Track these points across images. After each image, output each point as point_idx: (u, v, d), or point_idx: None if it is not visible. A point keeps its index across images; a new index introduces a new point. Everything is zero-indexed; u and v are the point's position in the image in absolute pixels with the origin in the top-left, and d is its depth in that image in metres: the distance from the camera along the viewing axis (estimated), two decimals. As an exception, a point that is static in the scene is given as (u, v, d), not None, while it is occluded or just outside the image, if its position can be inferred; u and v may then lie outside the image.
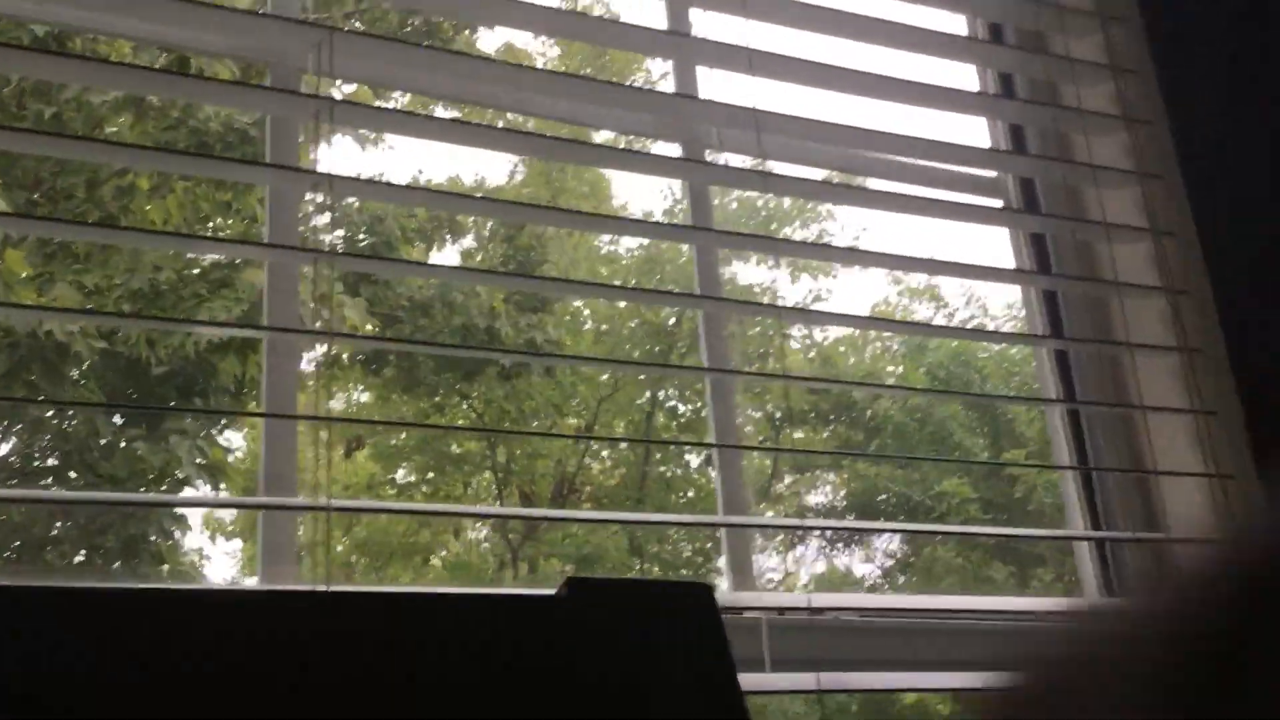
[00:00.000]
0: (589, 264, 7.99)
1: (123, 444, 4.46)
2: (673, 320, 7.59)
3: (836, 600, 1.22)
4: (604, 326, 7.89)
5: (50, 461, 4.67)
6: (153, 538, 4.48)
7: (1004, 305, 8.57)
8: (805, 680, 1.11)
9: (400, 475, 7.72)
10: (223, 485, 4.67)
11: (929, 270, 1.68)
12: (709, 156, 1.40)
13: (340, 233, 6.09)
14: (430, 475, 7.57)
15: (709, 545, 7.25)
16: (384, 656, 0.75)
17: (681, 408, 8.06)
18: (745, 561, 1.30)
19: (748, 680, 1.14)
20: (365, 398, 7.84)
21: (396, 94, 7.35)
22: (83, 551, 4.45)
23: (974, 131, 1.66)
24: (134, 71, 1.19)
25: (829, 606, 1.20)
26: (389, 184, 1.35)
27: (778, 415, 7.52)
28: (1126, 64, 1.55)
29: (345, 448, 7.78)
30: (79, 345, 3.96)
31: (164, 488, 4.58)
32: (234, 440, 5.53)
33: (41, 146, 1.14)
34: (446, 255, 7.28)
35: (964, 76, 1.63)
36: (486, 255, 7.19)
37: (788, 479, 7.65)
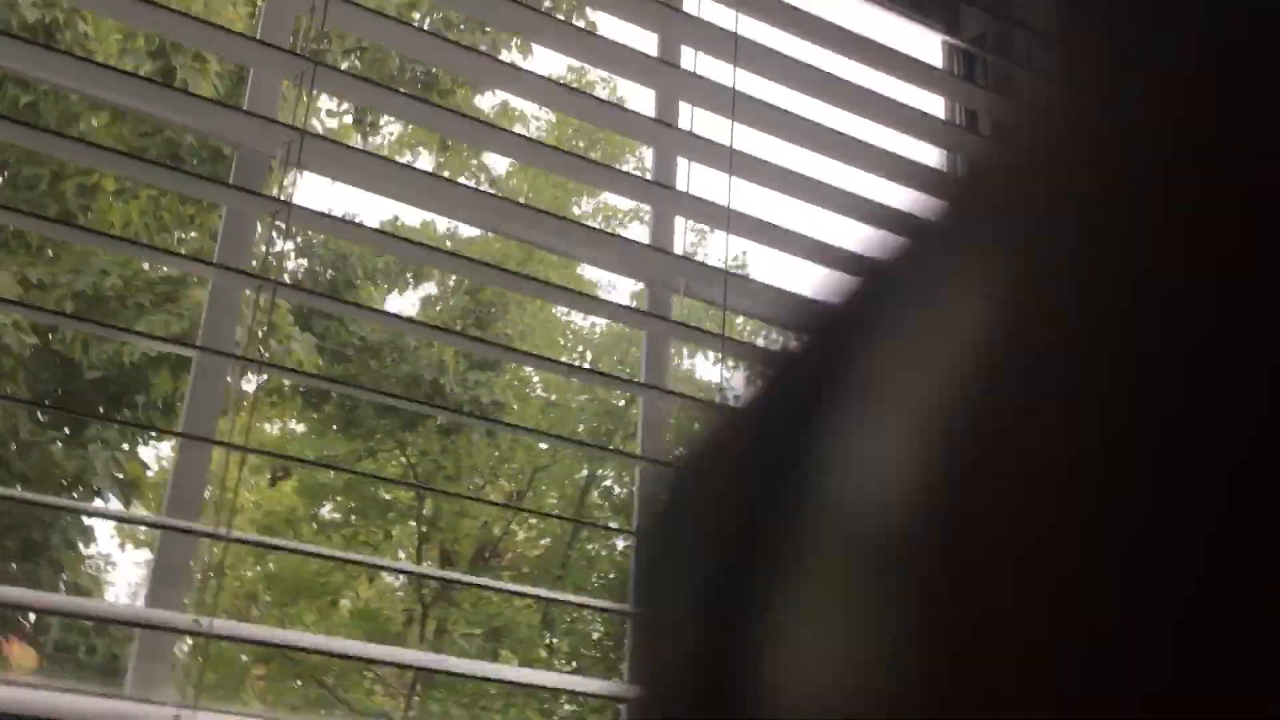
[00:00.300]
0: (547, 331, 7.98)
1: (41, 444, 4.35)
2: (623, 402, 7.58)
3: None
4: (553, 396, 7.85)
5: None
6: (54, 543, 4.35)
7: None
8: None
9: (325, 512, 7.58)
10: (135, 501, 4.56)
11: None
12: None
13: (302, 262, 6.05)
14: (353, 517, 7.45)
15: (621, 630, 7.17)
16: None
17: (618, 489, 8.02)
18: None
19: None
20: (300, 428, 7.71)
21: (384, 130, 7.35)
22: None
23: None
24: (114, 76, 1.17)
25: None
26: (348, 223, 1.33)
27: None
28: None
29: (271, 476, 7.64)
30: (9, 337, 3.87)
31: (75, 495, 4.46)
32: (155, 456, 5.41)
33: (6, 133, 1.11)
34: (407, 299, 7.24)
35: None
36: (447, 306, 7.15)
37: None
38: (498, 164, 7.73)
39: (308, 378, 6.09)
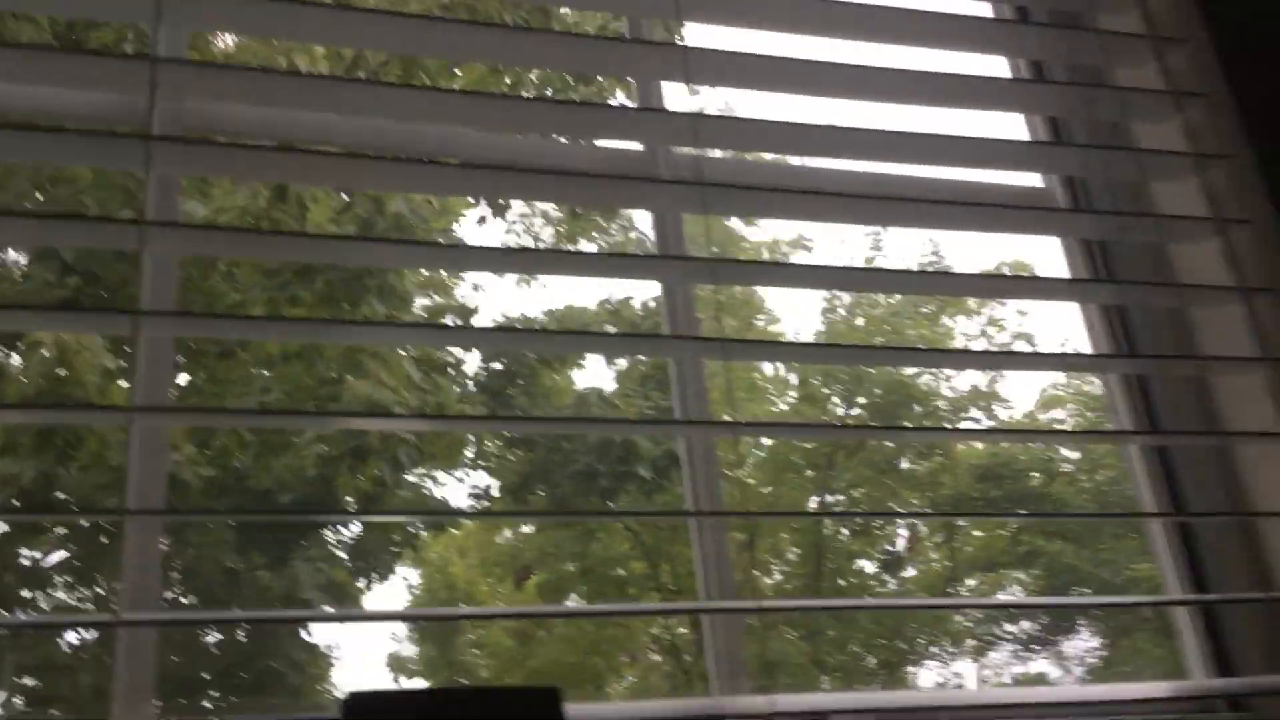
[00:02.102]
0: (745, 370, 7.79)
1: (249, 571, 4.46)
2: (842, 417, 7.27)
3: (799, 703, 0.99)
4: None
5: (190, 598, 4.72)
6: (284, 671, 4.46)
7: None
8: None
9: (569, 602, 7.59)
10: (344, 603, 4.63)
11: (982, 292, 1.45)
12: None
13: (475, 356, 6.12)
14: (598, 601, 7.41)
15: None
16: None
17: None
18: (735, 656, 1.08)
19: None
20: (527, 529, 7.77)
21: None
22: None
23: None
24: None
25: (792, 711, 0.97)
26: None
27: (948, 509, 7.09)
28: (1172, 33, 1.32)
29: (515, 579, 7.73)
30: (186, 474, 3.98)
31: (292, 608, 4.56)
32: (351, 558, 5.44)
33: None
34: (586, 375, 7.20)
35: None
36: (633, 373, 7.09)
37: (970, 580, 7.16)
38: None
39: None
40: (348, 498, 4.73)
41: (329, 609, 4.53)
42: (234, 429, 4.05)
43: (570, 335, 1.23)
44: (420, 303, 5.96)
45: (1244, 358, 1.17)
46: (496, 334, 1.24)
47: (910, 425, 6.80)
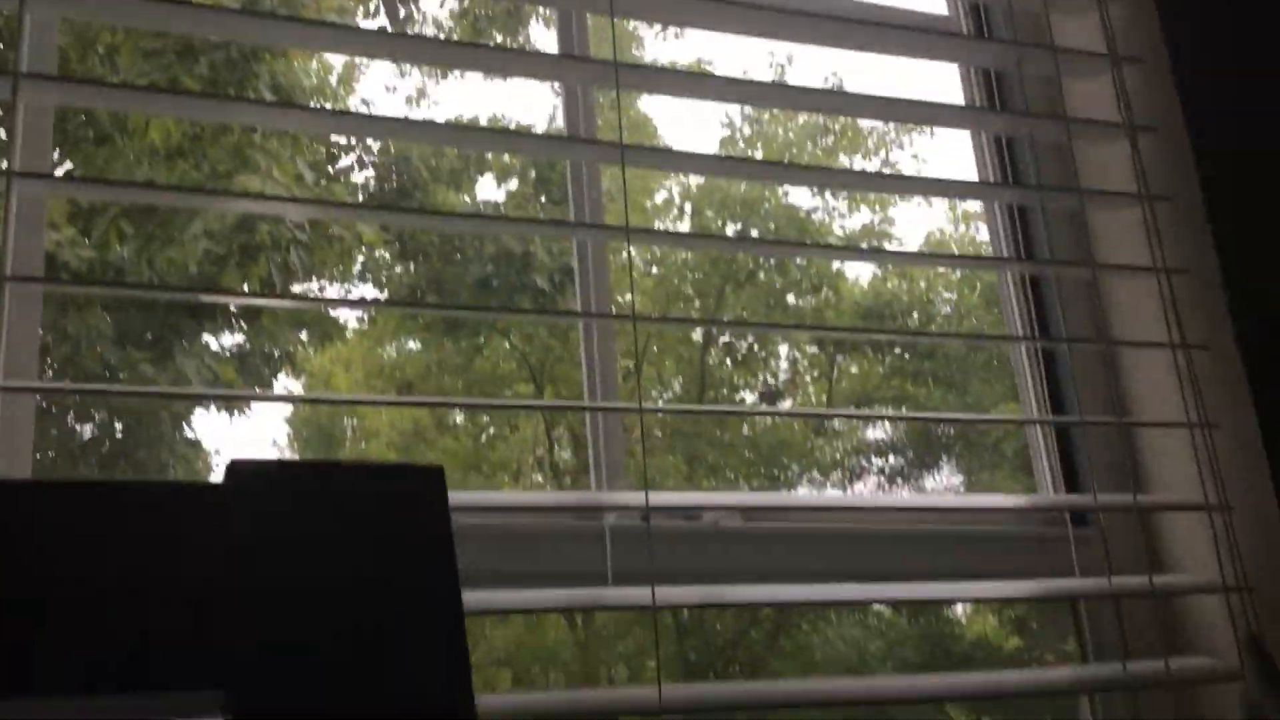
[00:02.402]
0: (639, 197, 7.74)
1: (132, 365, 4.34)
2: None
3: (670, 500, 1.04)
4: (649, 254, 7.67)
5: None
6: (166, 460, 4.42)
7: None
8: (639, 596, 0.94)
9: (454, 420, 7.64)
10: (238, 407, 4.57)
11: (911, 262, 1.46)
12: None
13: (368, 174, 5.97)
14: (485, 417, 7.48)
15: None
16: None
17: (740, 343, 7.82)
18: (616, 460, 1.12)
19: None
20: (415, 345, 7.74)
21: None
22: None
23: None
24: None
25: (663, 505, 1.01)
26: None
27: (830, 347, 7.28)
28: None
29: (399, 393, 7.73)
30: (67, 255, 3.82)
31: (176, 408, 4.47)
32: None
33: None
34: (479, 195, 7.09)
35: None
36: (521, 191, 6.98)
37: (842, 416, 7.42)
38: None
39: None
40: (232, 302, 4.62)
41: (215, 391, 4.47)
42: (114, 221, 3.88)
43: (465, 130, 1.20)
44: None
45: (1123, 192, 1.21)
46: (394, 123, 1.21)
47: (795, 241, 6.86)
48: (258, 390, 5.18)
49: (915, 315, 7.49)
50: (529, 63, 1.19)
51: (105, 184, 1.23)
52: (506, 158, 6.53)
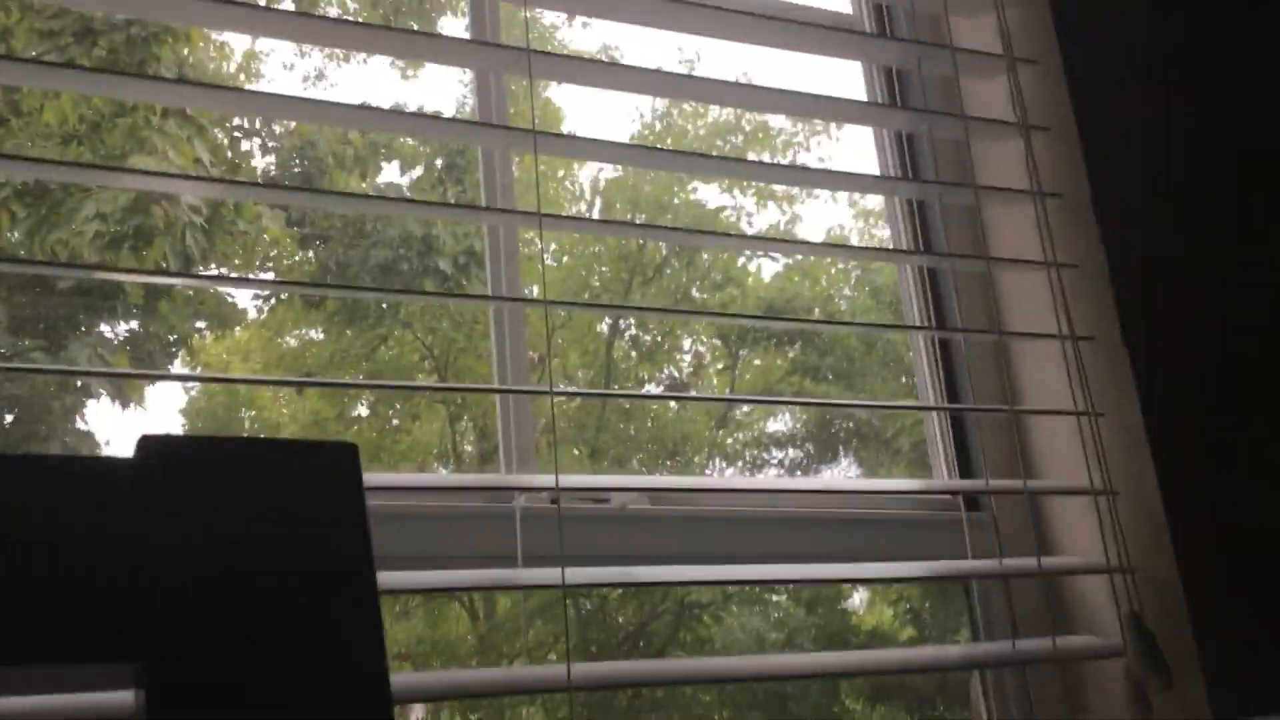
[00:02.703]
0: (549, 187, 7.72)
1: (21, 355, 4.21)
2: (640, 244, 7.35)
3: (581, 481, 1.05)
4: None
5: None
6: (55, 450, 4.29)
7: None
8: (550, 575, 0.95)
9: (360, 411, 7.53)
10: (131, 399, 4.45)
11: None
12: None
13: (270, 160, 5.86)
14: (387, 409, 7.39)
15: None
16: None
17: (645, 336, 7.86)
18: (526, 444, 1.13)
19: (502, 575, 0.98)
20: (319, 334, 7.63)
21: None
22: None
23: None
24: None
25: (574, 487, 1.03)
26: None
27: (733, 338, 7.36)
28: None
29: (298, 388, 7.59)
30: None
31: (65, 401, 4.34)
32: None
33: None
34: (384, 180, 7.01)
35: None
36: (426, 177, 6.92)
37: (746, 407, 7.50)
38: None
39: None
40: (125, 286, 4.50)
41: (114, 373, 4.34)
42: (5, 203, 3.75)
43: (378, 112, 1.20)
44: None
45: (1016, 189, 1.26)
46: (304, 104, 1.20)
47: (705, 230, 6.93)
48: (170, 370, 5.06)
49: (816, 310, 7.62)
50: (443, 47, 1.19)
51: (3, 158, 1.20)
52: (414, 144, 6.46)
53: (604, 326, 7.90)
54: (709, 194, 8.13)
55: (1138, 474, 1.17)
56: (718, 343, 7.82)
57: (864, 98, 1.42)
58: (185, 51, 4.82)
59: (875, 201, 8.24)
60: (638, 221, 8.08)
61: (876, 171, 1.41)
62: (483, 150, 1.22)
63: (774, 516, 1.16)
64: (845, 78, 1.49)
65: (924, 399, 1.32)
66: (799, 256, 7.89)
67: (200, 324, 5.82)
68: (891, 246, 1.38)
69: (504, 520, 1.05)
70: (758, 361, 7.76)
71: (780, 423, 7.67)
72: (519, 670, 0.96)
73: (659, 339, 7.81)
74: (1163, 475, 1.15)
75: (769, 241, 1.19)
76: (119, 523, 0.67)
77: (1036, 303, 1.25)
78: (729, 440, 7.66)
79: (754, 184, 7.79)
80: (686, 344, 8.26)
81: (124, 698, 0.86)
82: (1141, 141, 1.29)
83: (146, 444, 0.70)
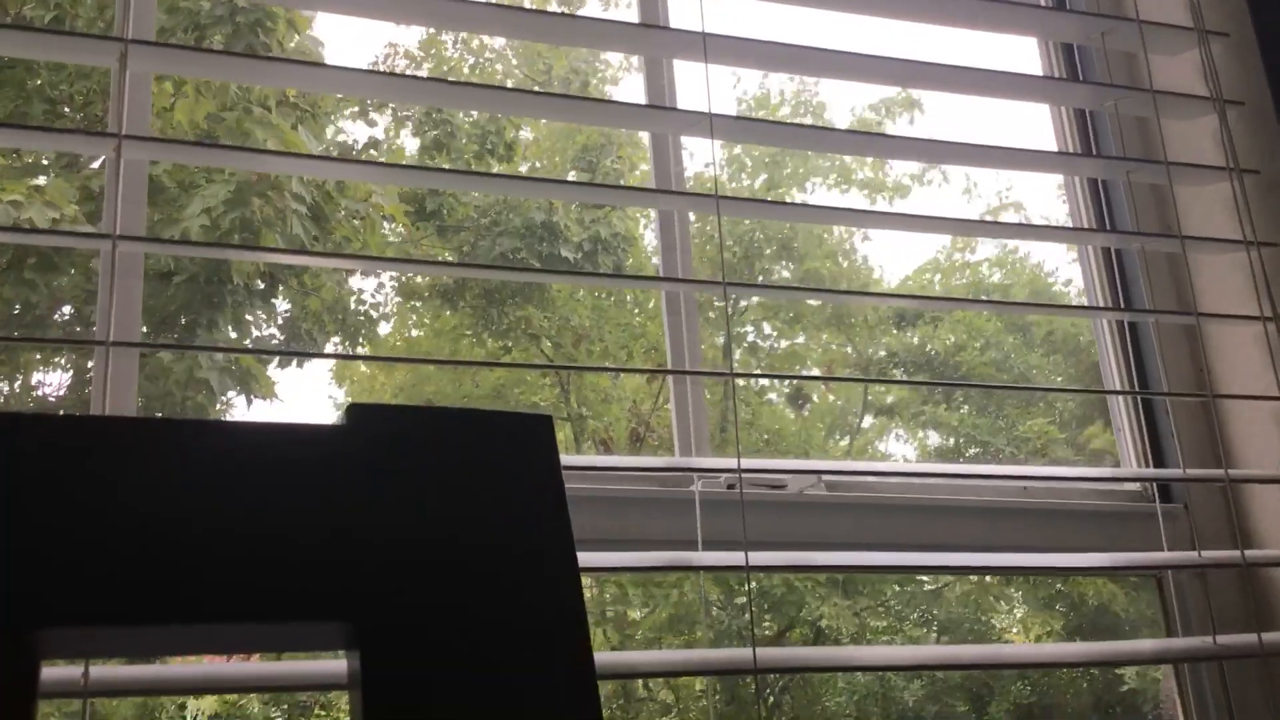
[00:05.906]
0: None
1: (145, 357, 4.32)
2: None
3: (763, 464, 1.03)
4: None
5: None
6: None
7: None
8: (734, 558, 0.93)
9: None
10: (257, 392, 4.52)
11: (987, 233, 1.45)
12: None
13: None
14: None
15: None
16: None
17: (761, 342, 7.78)
18: (700, 428, 1.11)
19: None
20: (446, 346, 7.73)
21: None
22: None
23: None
24: None
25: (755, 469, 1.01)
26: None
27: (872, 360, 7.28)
28: None
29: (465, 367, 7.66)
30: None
31: (199, 398, 4.43)
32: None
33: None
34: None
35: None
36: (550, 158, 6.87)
37: (868, 420, 7.40)
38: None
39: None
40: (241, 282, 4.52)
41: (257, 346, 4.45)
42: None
43: (538, 96, 1.19)
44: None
45: (1210, 165, 1.21)
46: (438, 86, 1.21)
47: (879, 211, 6.85)
48: (330, 350, 5.18)
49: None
50: (612, 32, 1.18)
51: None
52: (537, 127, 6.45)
53: (720, 338, 7.82)
54: (818, 195, 7.94)
55: (1348, 463, 1.11)
56: (849, 350, 7.69)
57: (1039, 73, 1.37)
58: (291, 40, 4.89)
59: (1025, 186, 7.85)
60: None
61: (1054, 148, 1.36)
62: (653, 135, 1.21)
63: (953, 505, 1.13)
64: (1015, 51, 1.44)
65: (1110, 384, 1.27)
66: (962, 248, 7.64)
67: (335, 339, 5.91)
68: (1071, 225, 1.33)
69: (680, 504, 1.04)
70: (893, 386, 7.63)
71: (895, 441, 7.52)
72: (708, 652, 0.94)
73: (778, 340, 7.70)
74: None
75: (952, 222, 1.14)
76: (331, 485, 0.68)
77: (1232, 283, 1.19)
78: (844, 445, 7.53)
79: (862, 181, 7.65)
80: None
81: (336, 667, 0.87)
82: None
83: (355, 412, 0.70)
